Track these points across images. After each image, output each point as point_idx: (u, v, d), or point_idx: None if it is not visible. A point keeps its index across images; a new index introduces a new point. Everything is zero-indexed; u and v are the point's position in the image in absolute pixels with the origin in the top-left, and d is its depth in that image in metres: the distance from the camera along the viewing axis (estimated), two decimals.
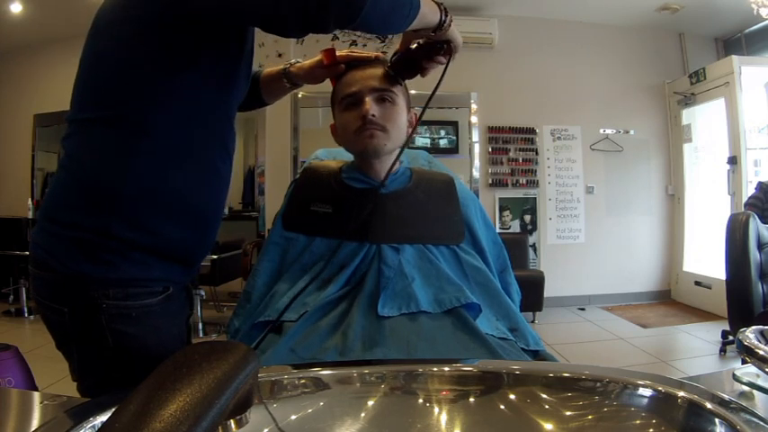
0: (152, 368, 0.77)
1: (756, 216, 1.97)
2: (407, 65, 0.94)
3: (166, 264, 0.81)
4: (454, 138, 4.42)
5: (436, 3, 0.83)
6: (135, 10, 0.74)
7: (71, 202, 0.77)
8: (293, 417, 0.49)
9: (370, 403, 0.51)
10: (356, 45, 4.31)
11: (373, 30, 0.72)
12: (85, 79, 0.79)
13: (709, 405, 0.42)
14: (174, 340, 0.84)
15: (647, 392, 0.46)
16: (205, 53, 0.77)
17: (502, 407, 0.50)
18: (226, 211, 4.57)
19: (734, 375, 0.53)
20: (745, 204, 3.13)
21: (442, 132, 4.42)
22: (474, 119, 4.40)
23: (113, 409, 0.27)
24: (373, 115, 0.93)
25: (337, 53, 1.00)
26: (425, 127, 4.32)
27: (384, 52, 1.03)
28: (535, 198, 4.47)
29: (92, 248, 0.75)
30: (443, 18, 0.83)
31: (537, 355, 0.87)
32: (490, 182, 4.42)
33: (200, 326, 3.58)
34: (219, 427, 0.31)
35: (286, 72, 1.07)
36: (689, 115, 4.49)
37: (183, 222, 0.81)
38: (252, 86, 1.04)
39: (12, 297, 4.29)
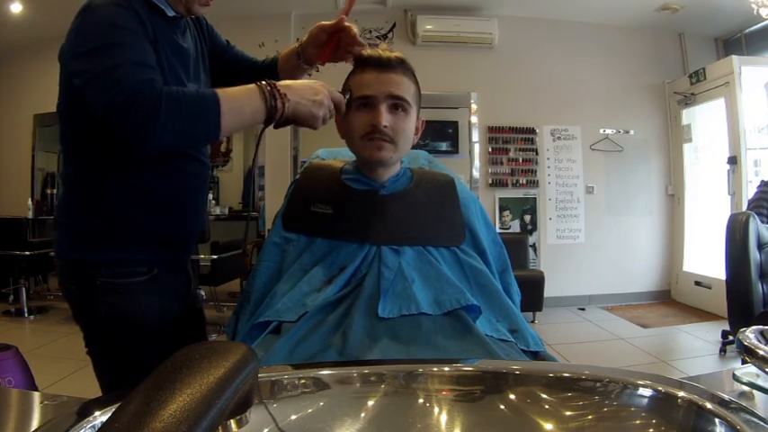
0: (133, 336, 0.93)
1: (756, 216, 1.97)
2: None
3: (148, 248, 0.97)
4: (454, 138, 4.42)
5: (265, 96, 0.82)
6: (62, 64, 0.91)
7: (65, 206, 0.98)
8: (293, 417, 0.49)
9: (370, 403, 0.51)
10: None
11: (173, 144, 0.82)
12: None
13: (709, 405, 0.42)
14: (158, 314, 0.99)
15: (647, 392, 0.46)
16: None
17: (502, 407, 0.50)
18: (225, 211, 4.58)
19: (734, 375, 0.53)
20: (749, 203, 3.12)
21: (442, 132, 4.42)
22: (474, 119, 4.40)
23: (113, 409, 0.27)
24: (385, 126, 0.92)
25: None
26: (426, 140, 4.27)
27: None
28: (535, 198, 4.47)
29: (85, 239, 0.94)
30: (273, 111, 0.82)
31: (537, 355, 0.87)
32: (490, 182, 4.42)
33: None
34: (219, 427, 0.31)
35: (301, 50, 1.07)
36: (689, 115, 4.49)
37: (153, 213, 0.96)
38: (270, 73, 1.12)
39: (12, 297, 4.28)
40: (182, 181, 1.00)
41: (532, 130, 4.45)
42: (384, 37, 4.39)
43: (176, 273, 1.07)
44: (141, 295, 0.96)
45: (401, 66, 0.96)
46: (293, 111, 0.85)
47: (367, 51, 0.98)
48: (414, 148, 1.05)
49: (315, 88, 0.88)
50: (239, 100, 0.82)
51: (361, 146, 0.96)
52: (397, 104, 0.94)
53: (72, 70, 0.86)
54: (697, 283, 4.26)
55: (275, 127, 0.90)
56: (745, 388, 0.52)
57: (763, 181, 3.18)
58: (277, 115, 0.83)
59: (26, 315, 3.98)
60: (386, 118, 0.92)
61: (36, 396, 0.53)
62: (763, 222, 2.02)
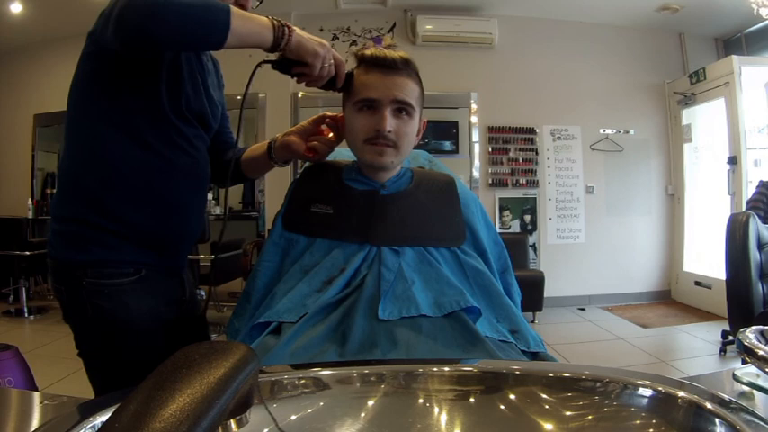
0: (121, 339, 0.90)
1: (756, 216, 1.97)
2: (283, 67, 0.92)
3: (137, 248, 0.95)
4: (454, 138, 4.42)
5: (273, 21, 0.83)
6: (88, 44, 0.91)
7: (58, 199, 0.95)
8: (293, 417, 0.49)
9: (370, 403, 0.51)
10: (356, 45, 4.31)
11: (172, 43, 0.81)
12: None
13: (709, 405, 0.42)
14: (147, 316, 0.96)
15: (647, 392, 0.46)
16: (127, 73, 0.90)
17: (502, 407, 0.50)
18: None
19: (734, 375, 0.53)
20: (748, 202, 3.13)
21: (442, 132, 4.42)
22: (474, 119, 4.40)
23: (113, 409, 0.27)
24: (389, 131, 0.91)
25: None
26: (427, 140, 4.27)
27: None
28: (535, 198, 4.47)
29: (74, 237, 0.92)
30: (280, 36, 0.84)
31: (537, 356, 0.87)
32: (490, 182, 4.42)
33: None
34: (219, 427, 0.31)
35: (270, 148, 1.09)
36: (689, 115, 4.49)
37: (145, 209, 0.94)
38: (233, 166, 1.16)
39: (12, 297, 4.28)
40: (169, 175, 0.97)
41: (532, 130, 4.46)
42: (381, 36, 4.39)
43: (168, 276, 1.04)
44: (129, 297, 0.94)
45: (406, 67, 0.94)
46: (298, 42, 0.85)
47: (371, 50, 0.96)
48: (414, 147, 1.05)
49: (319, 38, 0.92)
50: (249, 14, 0.83)
51: (364, 150, 0.95)
52: (402, 108, 0.93)
53: (97, 27, 0.87)
54: (697, 283, 4.26)
55: (275, 64, 0.90)
56: (745, 388, 0.52)
57: (761, 181, 3.18)
58: (283, 41, 0.84)
59: (26, 315, 3.98)
60: (390, 123, 0.91)
61: (36, 396, 0.53)
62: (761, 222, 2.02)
